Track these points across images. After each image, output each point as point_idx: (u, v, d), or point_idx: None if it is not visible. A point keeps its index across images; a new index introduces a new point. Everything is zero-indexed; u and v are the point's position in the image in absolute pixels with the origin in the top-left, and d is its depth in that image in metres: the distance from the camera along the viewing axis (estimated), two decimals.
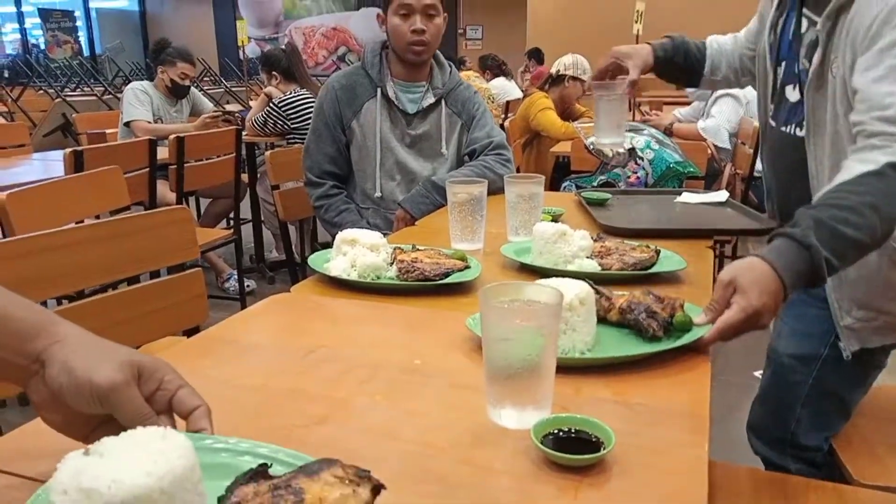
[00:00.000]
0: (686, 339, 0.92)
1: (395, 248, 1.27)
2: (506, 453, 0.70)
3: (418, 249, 1.29)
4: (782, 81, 1.35)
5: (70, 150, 2.31)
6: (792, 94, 1.32)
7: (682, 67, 1.55)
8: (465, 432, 0.74)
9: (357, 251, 1.23)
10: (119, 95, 6.96)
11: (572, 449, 0.67)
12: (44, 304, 1.31)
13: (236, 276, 3.49)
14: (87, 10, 12.69)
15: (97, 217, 1.71)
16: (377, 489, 0.53)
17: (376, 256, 1.22)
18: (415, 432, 0.74)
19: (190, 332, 1.44)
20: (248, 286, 3.60)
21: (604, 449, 0.67)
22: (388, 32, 1.96)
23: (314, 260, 1.29)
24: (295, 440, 0.72)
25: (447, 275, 1.19)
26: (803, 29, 1.27)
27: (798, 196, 1.23)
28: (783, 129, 1.34)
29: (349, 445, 0.71)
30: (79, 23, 12.41)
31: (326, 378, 0.87)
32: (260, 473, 0.55)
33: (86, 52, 12.28)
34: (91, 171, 1.85)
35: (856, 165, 1.02)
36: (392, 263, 1.23)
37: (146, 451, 0.48)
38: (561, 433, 0.70)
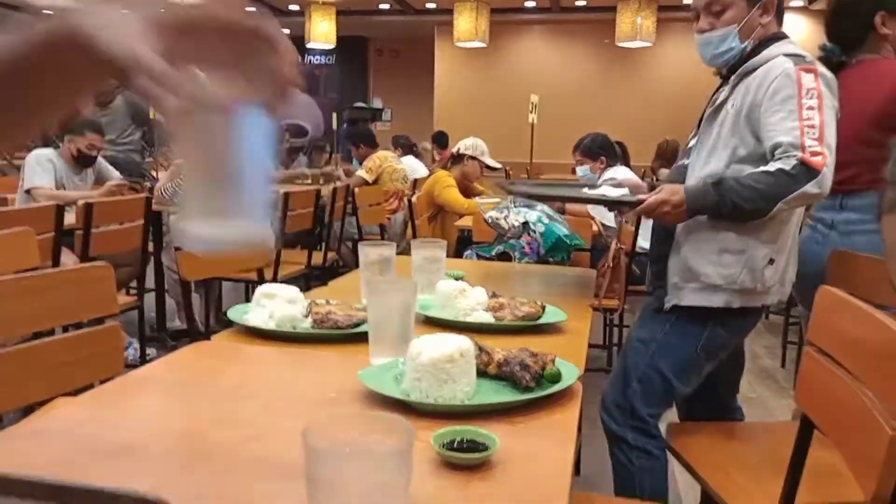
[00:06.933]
0: (555, 388, 1.04)
1: (310, 302, 1.39)
2: None
3: (331, 304, 1.42)
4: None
5: None
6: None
7: None
8: None
9: (275, 304, 1.35)
10: (14, 161, 6.74)
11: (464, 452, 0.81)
12: None
13: (136, 345, 3.43)
14: None
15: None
16: None
17: (293, 308, 1.34)
18: None
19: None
20: (148, 355, 3.54)
21: (488, 451, 0.82)
22: None
23: (233, 313, 1.39)
24: (232, 454, 0.82)
25: (358, 325, 1.32)
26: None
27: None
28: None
29: (279, 459, 0.82)
30: None
31: (252, 409, 0.98)
32: None
33: None
34: (2, 231, 1.87)
35: (762, 168, 1.50)
36: (308, 315, 1.36)
37: None
38: (455, 442, 0.84)
